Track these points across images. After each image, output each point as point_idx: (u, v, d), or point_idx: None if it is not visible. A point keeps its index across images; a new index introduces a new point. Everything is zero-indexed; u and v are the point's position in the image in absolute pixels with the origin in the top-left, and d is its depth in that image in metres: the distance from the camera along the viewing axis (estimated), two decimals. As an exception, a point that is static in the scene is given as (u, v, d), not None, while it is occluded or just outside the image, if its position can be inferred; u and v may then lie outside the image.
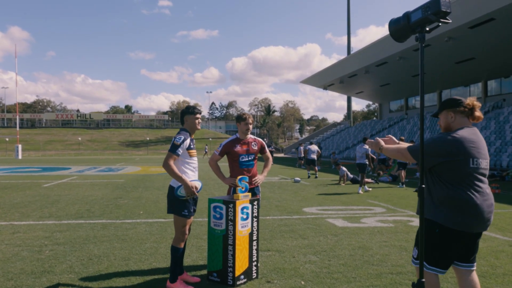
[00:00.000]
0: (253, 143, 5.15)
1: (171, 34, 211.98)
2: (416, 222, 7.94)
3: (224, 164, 4.83)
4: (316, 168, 19.99)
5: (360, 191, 13.11)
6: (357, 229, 7.32)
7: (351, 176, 16.20)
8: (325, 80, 48.99)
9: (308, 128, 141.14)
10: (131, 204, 10.17)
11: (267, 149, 5.40)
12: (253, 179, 5.08)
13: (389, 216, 8.64)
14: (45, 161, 43.30)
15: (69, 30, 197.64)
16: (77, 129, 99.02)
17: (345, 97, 67.74)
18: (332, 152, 32.79)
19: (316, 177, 19.29)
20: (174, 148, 4.16)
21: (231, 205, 4.33)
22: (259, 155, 5.29)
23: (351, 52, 53.35)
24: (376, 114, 79.24)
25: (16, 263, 5.13)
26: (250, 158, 5.06)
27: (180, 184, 4.16)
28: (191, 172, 4.33)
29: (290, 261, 5.29)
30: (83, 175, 20.96)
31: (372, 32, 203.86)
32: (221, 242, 4.40)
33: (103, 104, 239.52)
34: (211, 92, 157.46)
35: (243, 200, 4.42)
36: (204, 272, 4.79)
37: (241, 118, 5.12)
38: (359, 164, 13.80)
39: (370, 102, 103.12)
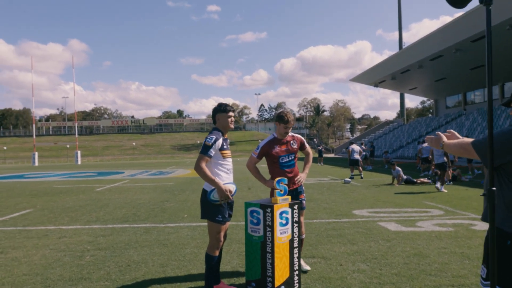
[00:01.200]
0: (292, 142, 4.82)
1: (220, 39, 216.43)
2: (479, 226, 7.24)
3: (263, 166, 4.52)
4: (361, 168, 19.17)
5: (443, 189, 12.72)
6: (412, 233, 6.75)
7: (405, 177, 15.36)
8: (376, 77, 47.43)
9: (359, 127, 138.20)
10: (176, 208, 10.09)
11: (306, 145, 5.05)
12: (296, 179, 4.78)
13: (448, 219, 7.96)
14: (101, 166, 44.99)
15: (123, 40, 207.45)
16: (131, 134, 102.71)
17: (397, 94, 65.59)
18: (385, 151, 31.56)
19: (361, 177, 18.47)
20: (205, 149, 3.89)
21: (268, 210, 3.99)
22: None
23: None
24: (431, 110, 75.90)
25: (56, 269, 5.08)
26: (290, 158, 4.76)
27: (213, 187, 3.88)
28: (225, 175, 4.04)
29: (336, 269, 4.88)
30: (134, 179, 21.40)
31: (425, 26, 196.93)
32: (259, 250, 4.07)
33: (157, 110, 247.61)
34: (259, 94, 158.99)
35: (281, 204, 4.07)
36: (245, 280, 4.49)
37: (282, 120, 4.71)
38: (438, 164, 13.15)
39: (425, 99, 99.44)
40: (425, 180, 15.21)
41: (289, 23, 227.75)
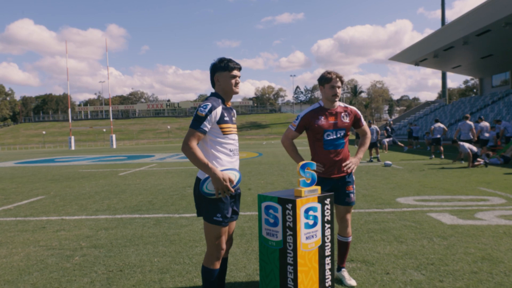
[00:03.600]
0: (343, 114, 3.64)
1: (256, 21, 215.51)
2: (556, 218, 5.88)
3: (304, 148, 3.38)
4: (378, 149, 17.75)
5: None
6: (473, 228, 5.47)
7: (475, 150, 13.69)
8: (417, 55, 44.67)
9: (398, 108, 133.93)
10: (197, 194, 9.10)
11: (363, 121, 3.83)
12: (344, 164, 3.60)
13: (515, 210, 6.59)
14: (135, 149, 44.96)
15: (160, 24, 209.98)
16: (167, 118, 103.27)
17: (439, 74, 62.54)
18: (426, 132, 29.66)
19: (377, 159, 17.28)
20: (197, 122, 2.79)
21: (289, 206, 2.87)
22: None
23: (446, 24, 48.29)
24: (475, 90, 71.85)
25: (33, 274, 4.16)
26: (339, 135, 3.59)
27: (207, 175, 2.78)
28: (227, 158, 2.93)
29: (382, 280, 3.71)
30: (163, 162, 20.70)
31: (470, 3, 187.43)
32: (277, 259, 2.97)
33: (193, 93, 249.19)
34: (295, 75, 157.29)
35: (308, 198, 2.94)
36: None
37: (324, 79, 3.59)
38: None
39: (469, 78, 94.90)
40: (477, 162, 13.57)
41: (326, 3, 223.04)
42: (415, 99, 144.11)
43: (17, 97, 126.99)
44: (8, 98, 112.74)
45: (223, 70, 2.93)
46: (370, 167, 14.78)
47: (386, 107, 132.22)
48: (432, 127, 18.73)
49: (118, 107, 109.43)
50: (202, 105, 2.81)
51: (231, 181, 2.77)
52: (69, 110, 64.99)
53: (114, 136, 58.37)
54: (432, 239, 4.98)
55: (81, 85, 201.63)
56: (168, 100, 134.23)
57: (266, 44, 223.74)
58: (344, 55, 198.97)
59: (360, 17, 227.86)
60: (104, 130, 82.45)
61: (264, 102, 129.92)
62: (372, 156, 17.64)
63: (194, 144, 2.74)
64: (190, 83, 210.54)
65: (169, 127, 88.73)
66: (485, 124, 16.78)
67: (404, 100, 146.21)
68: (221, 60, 2.94)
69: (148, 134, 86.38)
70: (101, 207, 7.93)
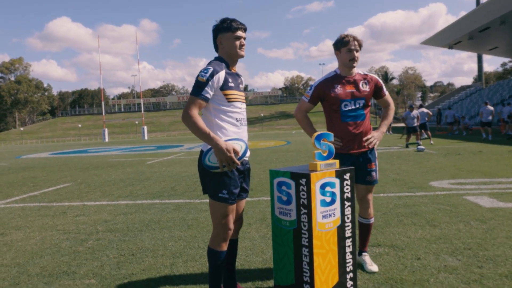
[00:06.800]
0: (362, 82, 3.26)
1: (286, 11, 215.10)
2: None
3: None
4: (420, 135, 17.18)
5: None
6: (516, 211, 5.01)
7: None
8: (450, 38, 42.86)
9: (431, 95, 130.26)
10: (220, 180, 8.89)
11: (385, 91, 3.41)
12: (365, 139, 3.24)
13: (562, 192, 6.04)
14: (165, 140, 45.40)
15: (191, 17, 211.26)
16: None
17: (474, 58, 60.00)
18: (462, 116, 28.53)
19: (413, 145, 16.69)
20: (198, 89, 2.49)
21: (303, 181, 2.57)
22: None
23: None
24: (514, 72, 68.63)
25: (44, 258, 4.03)
26: (358, 106, 3.22)
27: (210, 147, 2.51)
28: (233, 128, 2.62)
29: (413, 266, 3.37)
30: (191, 151, 20.68)
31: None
32: (291, 241, 2.68)
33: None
34: (324, 64, 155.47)
35: (324, 172, 2.62)
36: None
37: (341, 42, 3.23)
38: None
39: (506, 60, 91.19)
40: None
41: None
42: (450, 84, 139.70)
43: (54, 92, 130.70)
44: (46, 94, 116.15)
45: (226, 31, 2.62)
46: (402, 152, 14.21)
47: (419, 94, 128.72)
48: (418, 113, 18.18)
49: (150, 100, 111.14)
50: (203, 70, 2.51)
51: (235, 152, 2.47)
52: (103, 103, 66.34)
53: (145, 128, 59.22)
54: (469, 223, 4.57)
55: (116, 80, 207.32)
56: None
57: (295, 33, 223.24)
58: (375, 42, 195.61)
59: (391, 3, 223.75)
60: (137, 122, 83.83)
61: (293, 92, 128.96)
62: (418, 140, 16.88)
63: (194, 112, 2.46)
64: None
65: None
66: None
67: (438, 86, 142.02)
68: (224, 21, 2.63)
69: (179, 125, 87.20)
70: (123, 193, 7.83)
